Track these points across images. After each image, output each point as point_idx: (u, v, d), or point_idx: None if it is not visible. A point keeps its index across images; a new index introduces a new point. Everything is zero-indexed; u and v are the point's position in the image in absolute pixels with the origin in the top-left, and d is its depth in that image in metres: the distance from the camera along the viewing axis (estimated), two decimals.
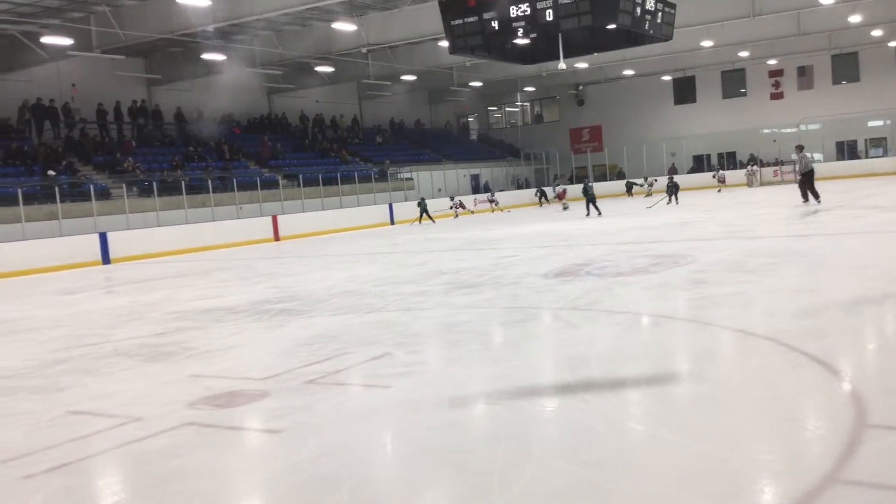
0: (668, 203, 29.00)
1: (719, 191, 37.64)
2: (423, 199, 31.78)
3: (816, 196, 21.86)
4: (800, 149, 23.36)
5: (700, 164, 46.49)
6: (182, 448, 4.99)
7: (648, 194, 36.53)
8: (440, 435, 4.81)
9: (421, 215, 31.02)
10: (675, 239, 16.02)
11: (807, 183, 22.09)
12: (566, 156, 49.64)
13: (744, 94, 46.70)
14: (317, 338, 8.20)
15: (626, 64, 41.55)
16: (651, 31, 21.54)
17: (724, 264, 11.49)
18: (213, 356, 7.78)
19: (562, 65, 22.58)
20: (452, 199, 34.25)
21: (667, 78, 47.79)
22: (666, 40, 23.07)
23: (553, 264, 13.33)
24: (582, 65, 39.85)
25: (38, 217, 22.74)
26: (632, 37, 22.08)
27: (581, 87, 50.09)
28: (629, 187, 38.73)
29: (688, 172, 44.55)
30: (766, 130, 44.59)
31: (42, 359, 8.33)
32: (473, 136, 54.16)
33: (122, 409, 5.93)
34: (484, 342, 7.68)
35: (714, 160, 46.39)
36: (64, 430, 5.57)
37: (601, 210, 26.59)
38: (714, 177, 39.98)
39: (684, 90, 48.45)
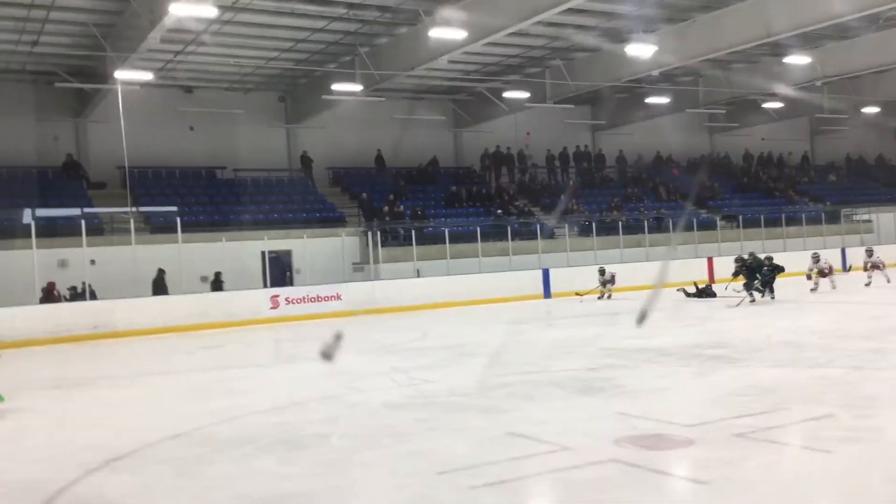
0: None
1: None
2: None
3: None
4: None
5: None
6: (608, 483, 5.11)
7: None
8: None
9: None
10: None
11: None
12: None
13: None
14: (750, 389, 7.77)
15: None
16: None
17: None
18: (640, 396, 7.84)
19: None
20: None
21: None
22: None
23: None
24: None
25: (492, 252, 25.31)
26: None
27: None
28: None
29: None
30: None
31: (489, 382, 9.21)
32: None
33: (554, 437, 6.27)
34: None
35: None
36: (503, 448, 6.10)
37: None
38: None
39: None
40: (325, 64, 24.51)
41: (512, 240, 25.53)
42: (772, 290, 18.29)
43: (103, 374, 12.44)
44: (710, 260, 26.74)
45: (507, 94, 27.42)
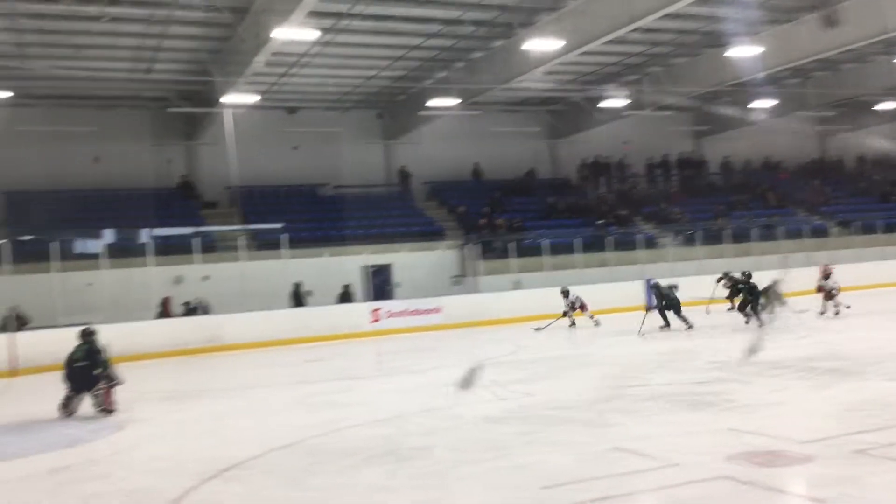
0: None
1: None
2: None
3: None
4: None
5: None
6: (719, 501, 4.94)
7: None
8: None
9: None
10: None
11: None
12: None
13: None
14: (869, 403, 7.36)
15: None
16: None
17: None
18: (753, 411, 7.54)
19: None
20: None
21: None
22: None
23: None
24: None
25: (592, 264, 24.95)
26: None
27: None
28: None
29: None
30: None
31: (592, 395, 9.06)
32: None
33: (661, 453, 6.10)
34: None
35: None
36: (608, 464, 5.98)
37: None
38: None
39: None
40: (422, 80, 24.84)
41: (612, 250, 25.10)
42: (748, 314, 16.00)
43: (214, 386, 12.93)
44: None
45: (603, 103, 27.04)
